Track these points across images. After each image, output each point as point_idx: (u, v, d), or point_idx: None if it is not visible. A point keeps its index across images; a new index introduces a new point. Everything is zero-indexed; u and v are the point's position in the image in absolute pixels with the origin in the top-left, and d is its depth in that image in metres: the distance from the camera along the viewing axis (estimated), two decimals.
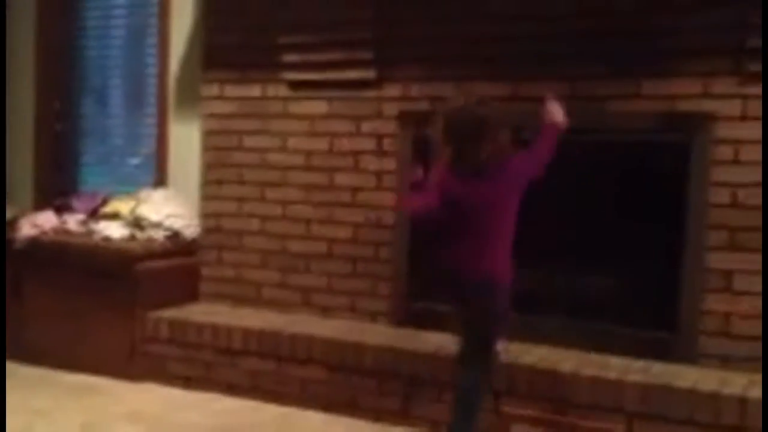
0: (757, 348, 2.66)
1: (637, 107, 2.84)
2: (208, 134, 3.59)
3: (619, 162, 2.92)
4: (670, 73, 2.74)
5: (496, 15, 3.02)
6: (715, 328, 2.73)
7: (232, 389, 3.22)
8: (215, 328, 3.26)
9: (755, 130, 2.66)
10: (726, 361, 2.70)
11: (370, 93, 3.25)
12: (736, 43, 2.64)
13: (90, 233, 3.61)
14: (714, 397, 2.48)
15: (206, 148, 3.60)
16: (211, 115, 3.57)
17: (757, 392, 2.48)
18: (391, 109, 3.22)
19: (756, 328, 2.67)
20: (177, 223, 3.60)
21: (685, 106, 2.75)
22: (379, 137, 3.25)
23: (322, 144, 3.36)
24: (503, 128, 2.40)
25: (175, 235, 3.60)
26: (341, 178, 3.33)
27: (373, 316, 3.28)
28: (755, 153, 2.66)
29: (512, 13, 2.99)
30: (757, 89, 2.65)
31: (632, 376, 2.62)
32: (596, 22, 2.85)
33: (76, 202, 3.87)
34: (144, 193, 3.73)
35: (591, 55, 2.88)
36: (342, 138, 3.31)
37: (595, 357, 2.80)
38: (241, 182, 3.52)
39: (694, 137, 2.73)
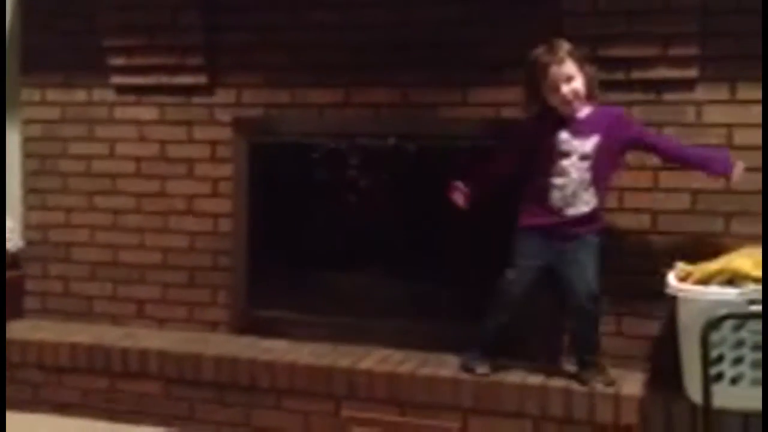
0: None
1: (465, 114, 2.94)
2: (29, 141, 3.40)
3: (452, 167, 3.00)
4: (494, 82, 2.86)
5: (325, 23, 3.03)
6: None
7: (61, 409, 3.07)
8: (41, 346, 3.10)
9: None
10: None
11: (202, 99, 3.18)
12: None
13: None
14: (542, 390, 2.61)
15: (28, 155, 3.40)
16: (32, 121, 3.38)
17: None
18: (224, 115, 3.17)
19: None
20: None
21: (509, 113, 2.87)
22: (213, 144, 3.19)
23: (152, 150, 3.26)
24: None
25: None
26: (174, 186, 3.24)
27: (212, 326, 3.22)
28: None
29: (342, 22, 3.02)
30: None
31: (467, 373, 2.71)
32: (423, 31, 2.94)
33: None
34: None
35: (419, 64, 2.96)
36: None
37: (432, 357, 2.86)
38: (68, 191, 3.35)
39: None
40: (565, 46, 2.57)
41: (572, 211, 2.61)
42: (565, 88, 2.55)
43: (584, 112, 2.61)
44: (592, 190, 2.60)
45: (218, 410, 2.92)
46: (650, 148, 2.65)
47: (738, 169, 2.53)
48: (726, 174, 2.55)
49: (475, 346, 2.73)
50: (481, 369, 2.69)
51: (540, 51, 2.58)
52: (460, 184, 2.74)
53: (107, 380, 3.03)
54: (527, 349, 2.80)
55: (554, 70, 2.55)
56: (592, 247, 2.62)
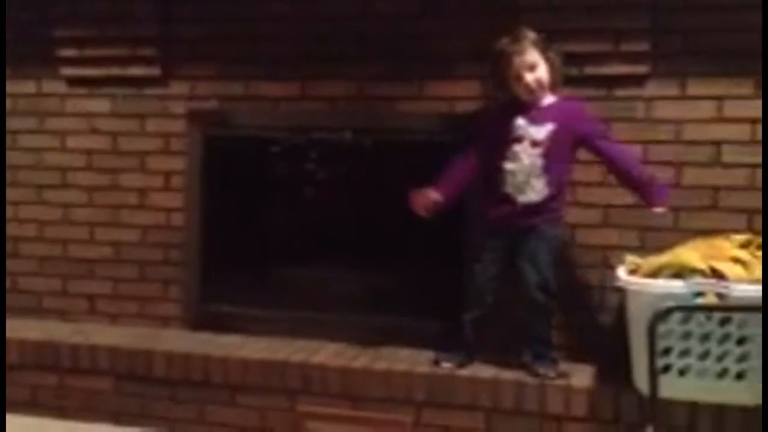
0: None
1: (421, 108, 2.94)
2: None
3: (406, 160, 3.01)
4: (450, 75, 2.87)
5: (281, 15, 3.01)
6: None
7: (10, 407, 2.99)
8: None
9: None
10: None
11: (155, 90, 3.14)
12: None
13: None
14: (493, 383, 2.62)
15: None
16: None
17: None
18: (178, 107, 3.13)
19: None
20: None
21: (464, 106, 2.88)
22: (166, 136, 3.16)
23: (104, 143, 3.21)
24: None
25: None
26: (126, 179, 3.20)
27: (164, 322, 3.18)
28: None
29: (297, 14, 3.00)
30: None
31: (420, 367, 2.72)
32: (379, 24, 2.93)
33: None
34: None
35: (376, 57, 2.95)
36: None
37: (386, 351, 2.87)
38: (16, 185, 3.29)
39: None
40: (529, 36, 2.60)
41: (523, 199, 2.63)
42: (529, 77, 2.58)
43: (546, 101, 2.64)
44: (543, 180, 2.61)
45: (171, 407, 2.88)
46: (596, 152, 2.64)
47: (663, 210, 2.56)
48: (656, 204, 2.55)
49: (453, 342, 2.74)
50: (446, 364, 2.71)
51: (504, 41, 2.61)
52: (428, 191, 2.66)
53: (57, 377, 2.98)
54: (495, 340, 2.79)
55: (517, 59, 2.58)
56: (547, 240, 2.64)
